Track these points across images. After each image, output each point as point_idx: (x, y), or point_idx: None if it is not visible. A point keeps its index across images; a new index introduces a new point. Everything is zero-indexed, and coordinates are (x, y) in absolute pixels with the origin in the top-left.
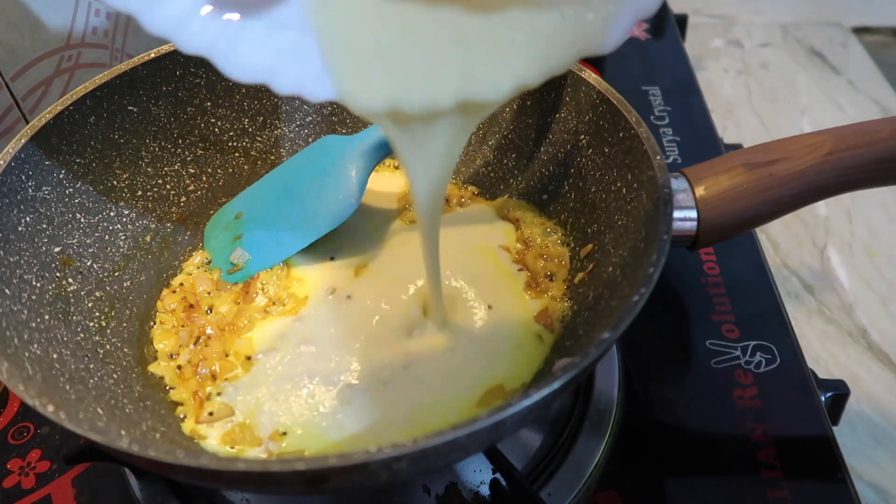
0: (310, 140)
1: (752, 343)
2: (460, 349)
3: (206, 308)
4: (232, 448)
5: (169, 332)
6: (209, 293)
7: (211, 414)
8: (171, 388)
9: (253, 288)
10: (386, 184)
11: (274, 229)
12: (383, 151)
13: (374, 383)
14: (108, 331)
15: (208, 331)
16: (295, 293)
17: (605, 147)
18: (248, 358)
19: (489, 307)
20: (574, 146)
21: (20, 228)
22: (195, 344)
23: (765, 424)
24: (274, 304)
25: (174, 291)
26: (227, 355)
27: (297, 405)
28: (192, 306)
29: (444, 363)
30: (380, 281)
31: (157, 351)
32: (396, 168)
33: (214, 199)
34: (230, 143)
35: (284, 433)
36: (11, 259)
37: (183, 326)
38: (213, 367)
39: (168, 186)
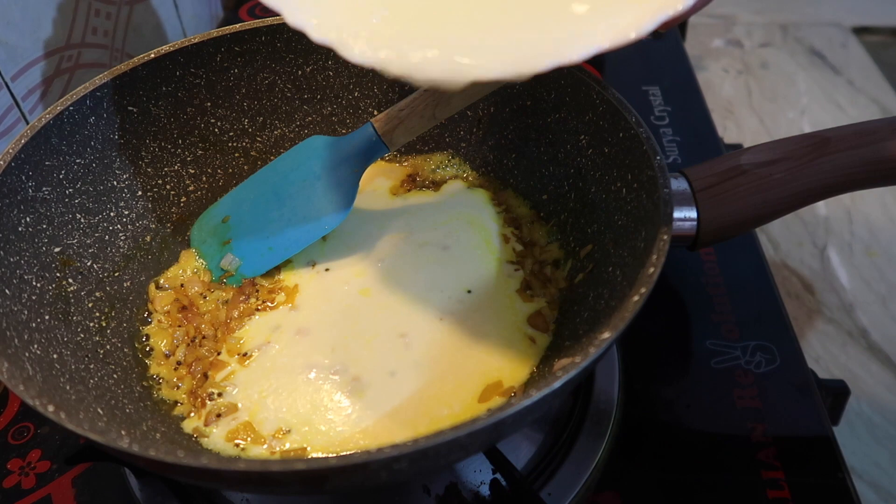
0: None
1: (752, 343)
2: (453, 339)
3: (199, 308)
4: (236, 446)
5: (165, 332)
6: (203, 295)
7: (219, 416)
8: (165, 381)
9: (248, 288)
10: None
11: (264, 234)
12: (373, 154)
13: (380, 375)
14: (109, 331)
15: (203, 330)
16: (286, 285)
17: (605, 147)
18: (244, 355)
19: (468, 291)
20: (574, 146)
21: (20, 229)
22: (190, 344)
23: (765, 424)
24: (263, 301)
25: (164, 289)
26: (218, 353)
27: (301, 401)
28: (185, 308)
29: (440, 349)
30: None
31: (153, 350)
32: (400, 162)
33: (214, 199)
34: (230, 143)
35: (288, 430)
36: (11, 259)
37: (180, 326)
38: (207, 366)
39: (168, 186)
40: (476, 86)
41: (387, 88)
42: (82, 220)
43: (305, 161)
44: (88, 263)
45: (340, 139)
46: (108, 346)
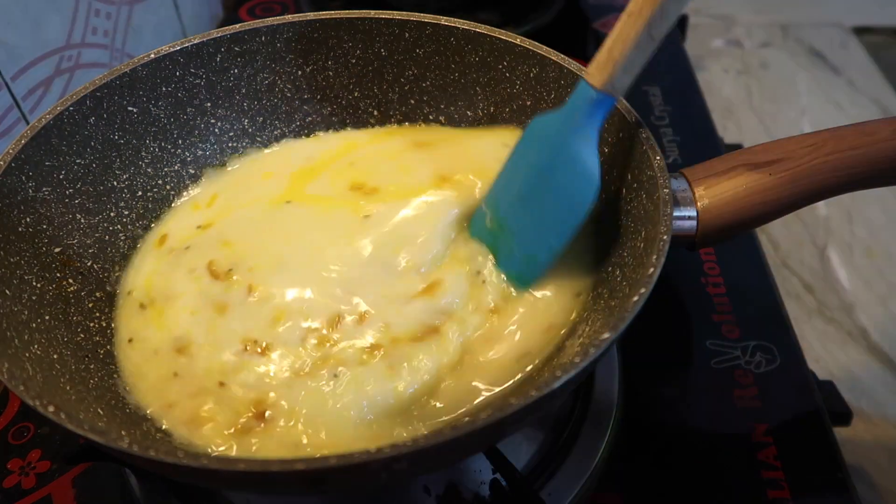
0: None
1: (752, 343)
2: None
3: None
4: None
5: None
6: None
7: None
8: None
9: None
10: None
11: (522, 243)
12: (600, 111)
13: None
14: (109, 331)
15: None
16: None
17: (604, 147)
18: None
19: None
20: None
21: (20, 229)
22: None
23: (765, 424)
24: None
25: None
26: None
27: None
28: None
29: None
30: None
31: None
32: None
33: None
34: (230, 144)
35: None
36: (12, 260)
37: None
38: None
39: (168, 187)
40: None
41: (386, 88)
42: (82, 221)
43: (535, 150)
44: (88, 264)
45: (559, 112)
46: (108, 347)
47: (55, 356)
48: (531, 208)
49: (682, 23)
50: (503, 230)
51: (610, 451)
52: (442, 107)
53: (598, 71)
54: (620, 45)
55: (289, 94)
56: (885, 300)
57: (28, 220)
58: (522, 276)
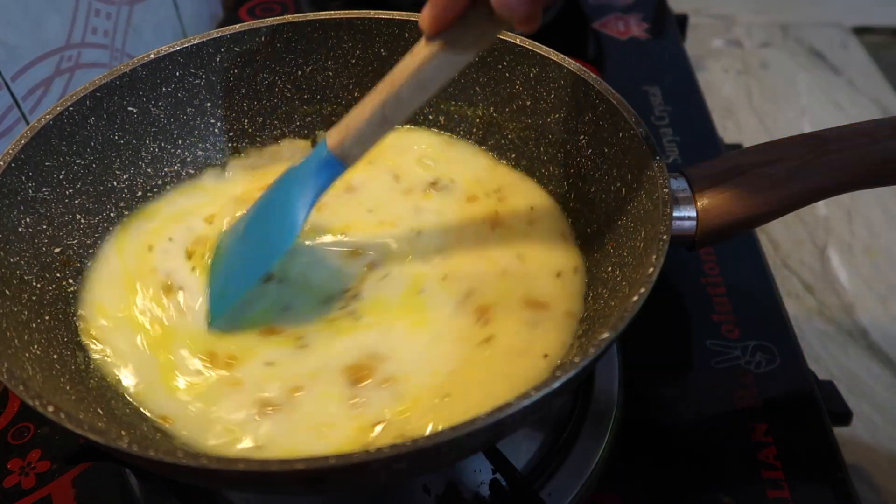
0: (308, 139)
1: (752, 343)
2: None
3: None
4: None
5: None
6: None
7: None
8: None
9: None
10: None
11: (223, 274)
12: (326, 172)
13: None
14: None
15: None
16: None
17: (604, 147)
18: None
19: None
20: (574, 146)
21: (20, 229)
22: None
23: (765, 424)
24: None
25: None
26: None
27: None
28: None
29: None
30: None
31: None
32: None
33: None
34: (230, 144)
35: None
36: (12, 260)
37: None
38: None
39: (168, 187)
40: (424, 74)
41: None
42: (82, 221)
43: (269, 192)
44: (89, 264)
45: (301, 162)
46: None
47: (55, 356)
48: (242, 244)
49: (682, 23)
50: (217, 261)
51: (610, 451)
52: (442, 107)
53: (335, 133)
54: (357, 116)
55: (289, 94)
56: (885, 300)
57: (28, 220)
58: (213, 311)
